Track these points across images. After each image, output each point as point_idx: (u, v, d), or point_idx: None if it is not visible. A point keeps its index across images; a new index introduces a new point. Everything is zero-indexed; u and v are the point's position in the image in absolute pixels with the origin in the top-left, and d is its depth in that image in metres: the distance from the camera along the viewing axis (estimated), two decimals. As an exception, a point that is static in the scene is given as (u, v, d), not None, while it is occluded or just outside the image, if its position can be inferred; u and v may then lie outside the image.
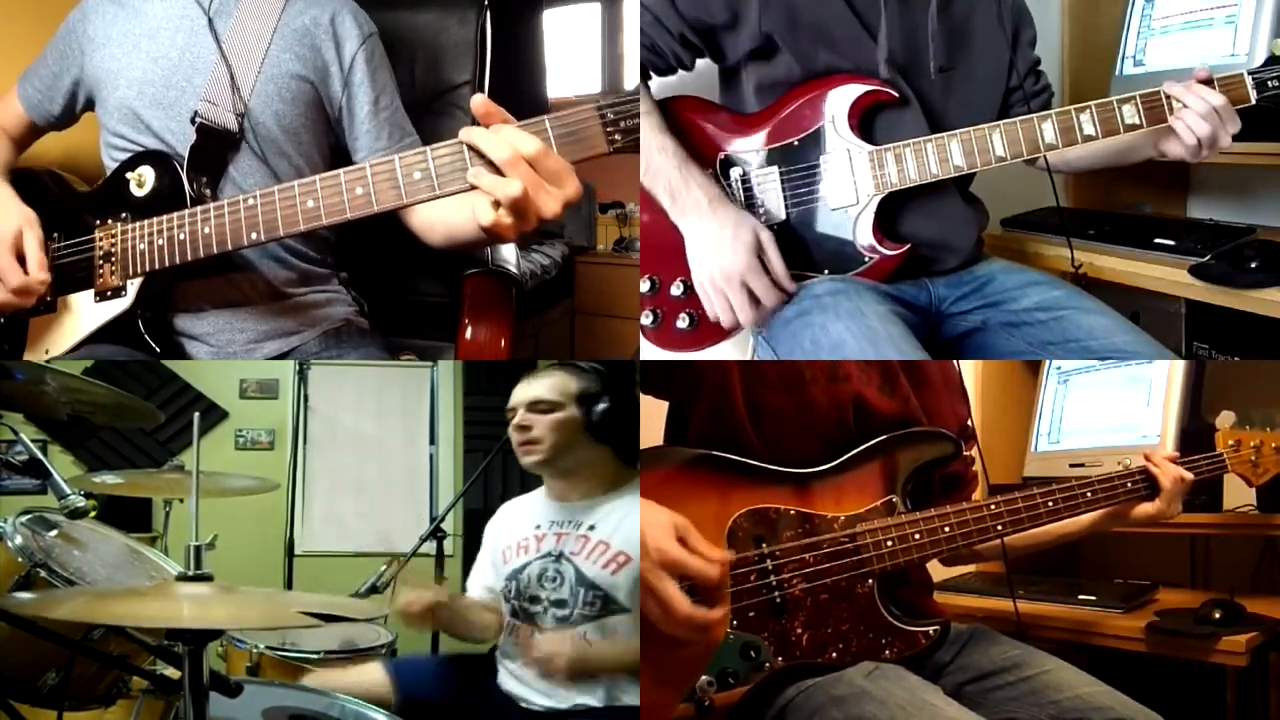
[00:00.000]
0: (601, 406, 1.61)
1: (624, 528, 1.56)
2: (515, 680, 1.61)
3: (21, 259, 1.51)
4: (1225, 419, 1.66)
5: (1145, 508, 1.55)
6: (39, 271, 1.51)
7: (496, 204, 1.26)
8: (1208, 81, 1.53)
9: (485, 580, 1.73)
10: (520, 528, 1.67)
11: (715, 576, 1.16)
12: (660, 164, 1.53)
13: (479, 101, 1.27)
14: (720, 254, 1.52)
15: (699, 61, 1.67)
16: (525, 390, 1.64)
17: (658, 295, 1.65)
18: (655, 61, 1.62)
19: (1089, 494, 1.49)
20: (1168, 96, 1.53)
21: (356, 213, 1.37)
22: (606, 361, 1.70)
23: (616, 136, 1.28)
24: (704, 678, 1.22)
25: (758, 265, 1.52)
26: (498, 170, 1.25)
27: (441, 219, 1.61)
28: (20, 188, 1.64)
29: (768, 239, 1.54)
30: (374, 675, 1.65)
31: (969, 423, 1.60)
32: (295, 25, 1.66)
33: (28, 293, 1.52)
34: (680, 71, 1.65)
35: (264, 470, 2.50)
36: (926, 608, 1.44)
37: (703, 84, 1.71)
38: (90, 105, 1.73)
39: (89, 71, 1.69)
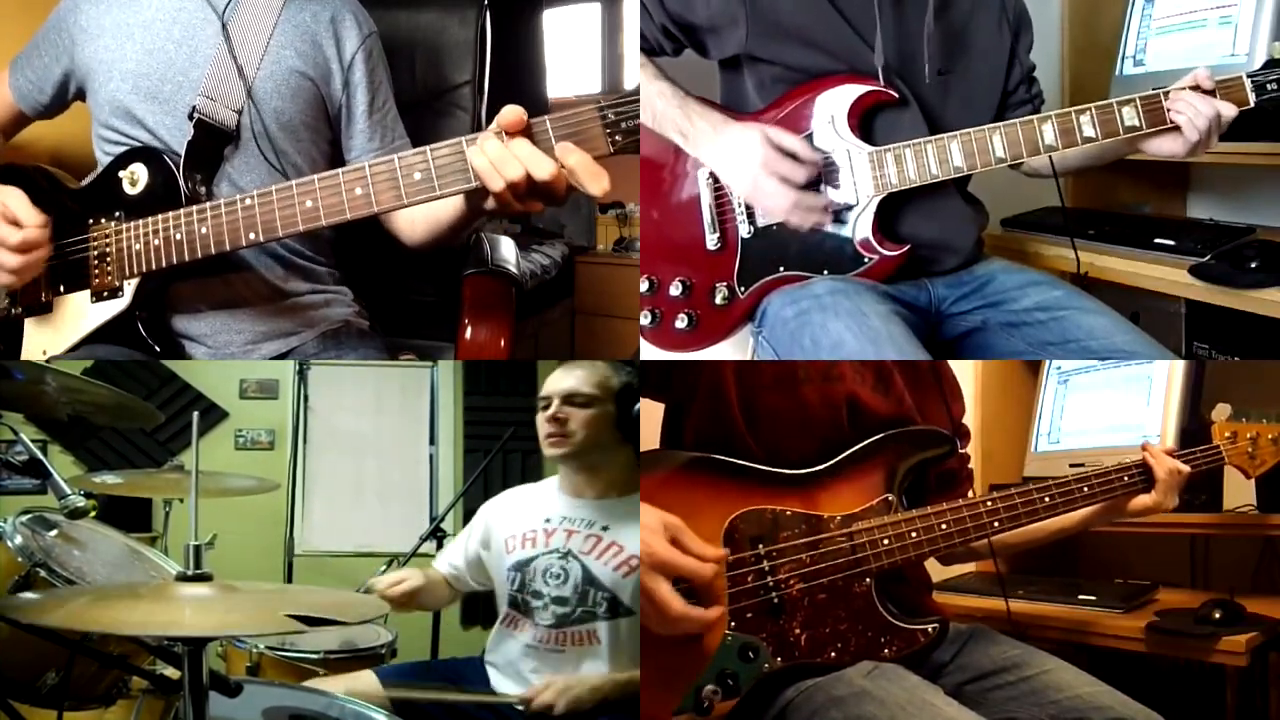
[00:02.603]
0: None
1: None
2: (509, 682, 1.61)
3: (15, 223, 1.46)
4: (1221, 411, 1.65)
5: (1142, 499, 1.55)
6: (35, 223, 1.45)
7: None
8: (1210, 92, 1.52)
9: (455, 559, 1.75)
10: (528, 519, 1.65)
11: (708, 576, 1.16)
12: (663, 108, 1.57)
13: (515, 114, 1.27)
14: (742, 161, 1.55)
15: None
16: (562, 381, 1.61)
17: (656, 295, 1.66)
18: (641, 42, 1.64)
19: (1085, 489, 1.49)
20: (1172, 112, 1.53)
21: (356, 213, 1.37)
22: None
23: (618, 138, 1.28)
24: (709, 687, 1.22)
25: (776, 153, 1.54)
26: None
27: (423, 212, 1.60)
28: (8, 184, 1.59)
29: (776, 132, 1.55)
30: (365, 683, 1.64)
31: (963, 421, 1.60)
32: (296, 21, 1.66)
33: (31, 247, 1.46)
34: (665, 55, 1.66)
35: (264, 470, 2.51)
36: (925, 606, 1.44)
37: (704, 78, 1.72)
38: (81, 95, 1.71)
39: (80, 62, 1.67)
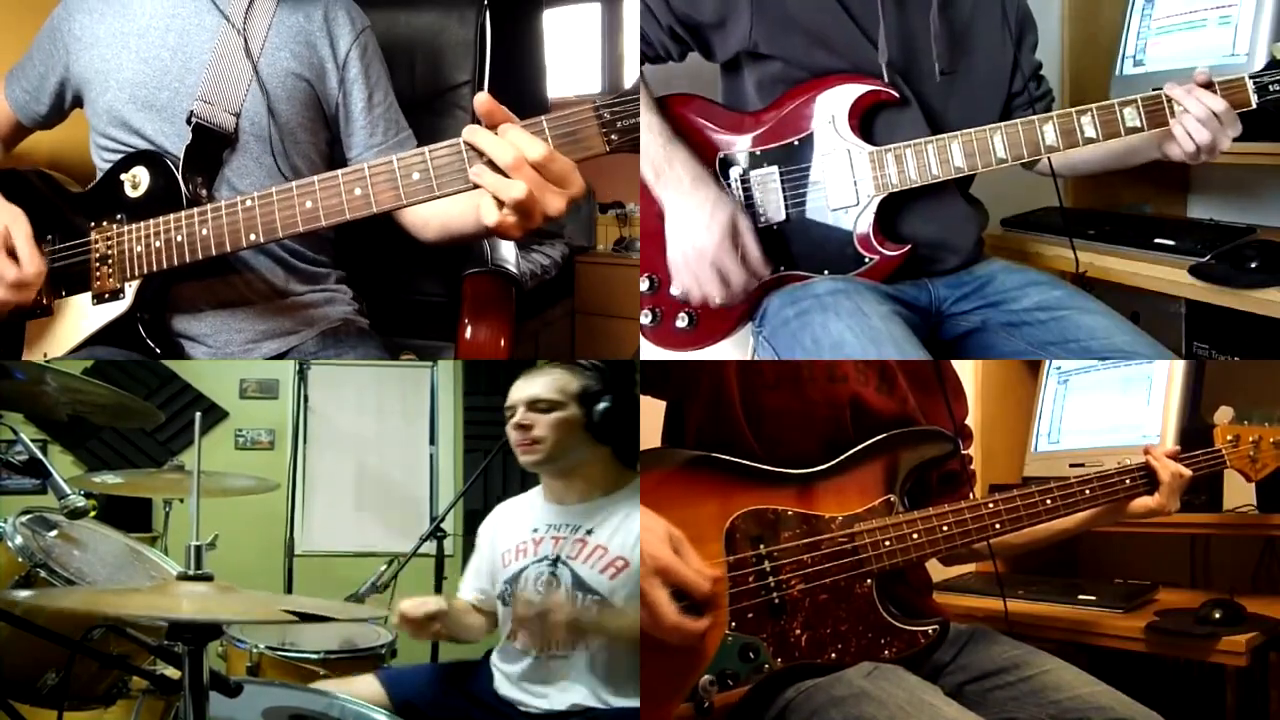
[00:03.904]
0: (602, 406, 1.58)
1: (622, 532, 1.55)
2: (511, 684, 1.61)
3: (13, 255, 1.48)
4: (1224, 414, 1.66)
5: (1145, 501, 1.55)
6: (33, 265, 1.47)
7: (501, 203, 1.26)
8: (1208, 85, 1.53)
9: (479, 583, 1.73)
10: (517, 531, 1.66)
11: (706, 590, 1.17)
12: (646, 141, 1.53)
13: (482, 100, 1.26)
14: (695, 232, 1.52)
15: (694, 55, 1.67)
16: (524, 388, 1.61)
17: (657, 294, 1.65)
18: (645, 50, 1.63)
19: (1088, 491, 1.49)
20: (1168, 99, 1.53)
21: (355, 214, 1.37)
22: (606, 361, 1.69)
23: (614, 136, 1.28)
24: (706, 677, 1.22)
25: (730, 247, 1.52)
26: (501, 171, 1.26)
27: (436, 215, 1.60)
28: (9, 189, 1.61)
29: (744, 224, 1.54)
30: (367, 687, 1.64)
31: (966, 422, 1.60)
32: (290, 22, 1.66)
33: (25, 287, 1.48)
34: (670, 61, 1.66)
35: (264, 470, 2.50)
36: (925, 607, 1.44)
37: (705, 78, 1.71)
38: (78, 103, 1.71)
39: (76, 72, 1.67)
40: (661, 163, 1.53)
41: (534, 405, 1.59)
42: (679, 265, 1.54)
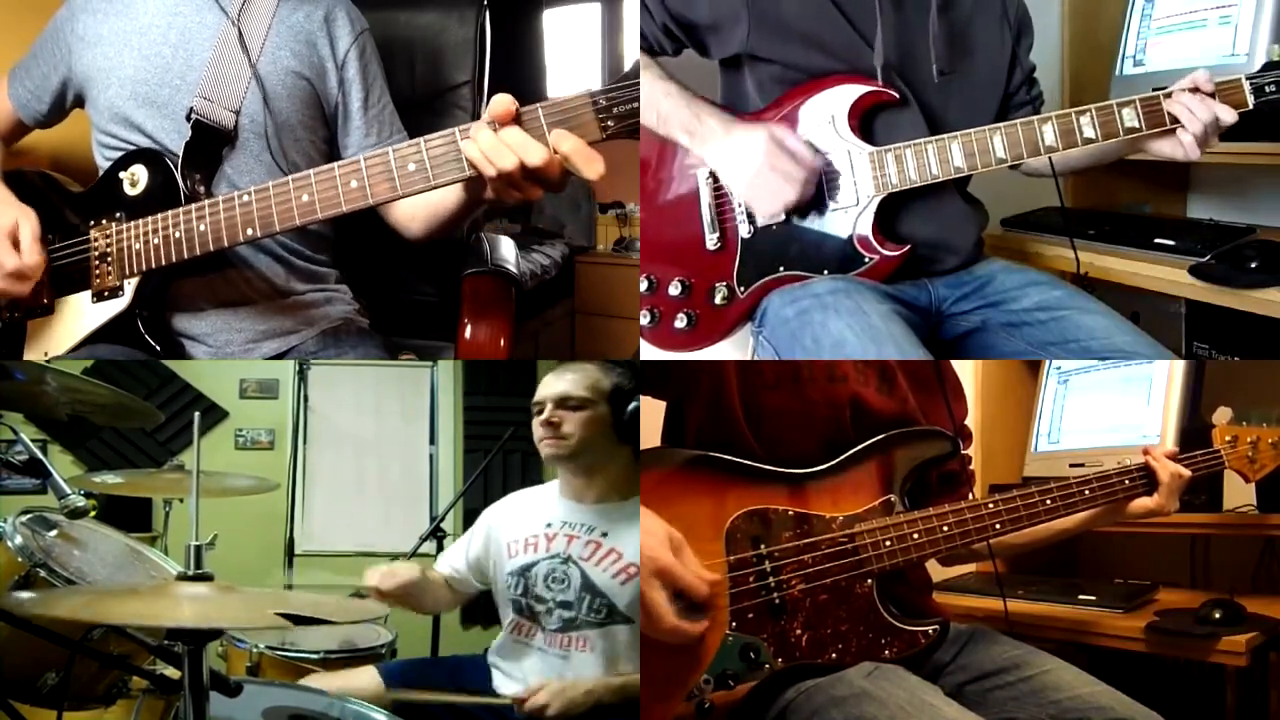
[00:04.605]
0: (633, 406, 1.58)
1: (637, 538, 1.54)
2: (511, 682, 1.61)
3: (17, 247, 1.50)
4: (1222, 415, 1.66)
5: (1144, 502, 1.55)
6: (33, 257, 1.50)
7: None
8: (1198, 90, 1.52)
9: (457, 562, 1.74)
10: (529, 523, 1.65)
11: (704, 594, 1.17)
12: (669, 108, 1.57)
13: (504, 104, 1.27)
14: (747, 159, 1.56)
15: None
16: (554, 385, 1.60)
17: (656, 294, 1.66)
18: (641, 42, 1.64)
19: (1087, 492, 1.49)
20: (1172, 115, 1.53)
21: (351, 205, 1.37)
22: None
23: (609, 123, 1.28)
24: (702, 678, 1.22)
25: (780, 153, 1.56)
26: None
27: (422, 204, 1.60)
28: (11, 189, 1.63)
29: (782, 132, 1.56)
30: (369, 679, 1.64)
31: (966, 422, 1.60)
32: (290, 21, 1.66)
33: (22, 277, 1.50)
34: (665, 55, 1.66)
35: (264, 470, 2.50)
36: (926, 607, 1.44)
37: (705, 76, 1.72)
38: (80, 103, 1.72)
39: (78, 71, 1.68)
40: (692, 121, 1.57)
41: (564, 403, 1.58)
42: (751, 194, 1.58)
